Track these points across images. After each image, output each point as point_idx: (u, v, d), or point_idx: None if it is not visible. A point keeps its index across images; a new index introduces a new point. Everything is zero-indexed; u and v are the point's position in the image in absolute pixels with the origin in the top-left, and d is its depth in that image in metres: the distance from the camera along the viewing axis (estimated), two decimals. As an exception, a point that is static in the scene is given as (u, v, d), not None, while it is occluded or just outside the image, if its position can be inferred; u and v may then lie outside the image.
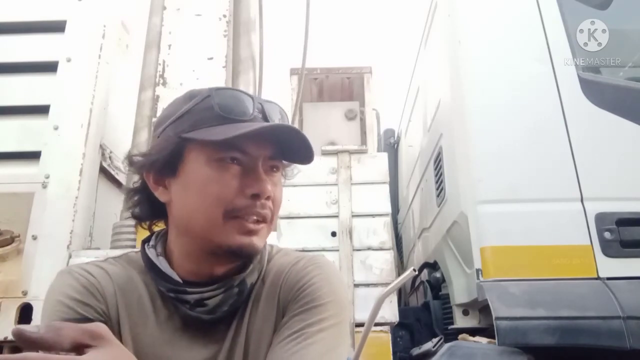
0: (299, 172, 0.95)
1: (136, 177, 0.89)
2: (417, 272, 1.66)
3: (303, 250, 2.53)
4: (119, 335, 0.79)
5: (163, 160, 0.80)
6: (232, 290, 0.81)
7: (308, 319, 0.77)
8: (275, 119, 0.82)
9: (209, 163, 0.78)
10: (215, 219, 0.77)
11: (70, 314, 0.76)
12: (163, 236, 0.87)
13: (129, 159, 0.86)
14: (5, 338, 1.93)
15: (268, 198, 0.79)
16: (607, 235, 2.02)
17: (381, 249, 2.45)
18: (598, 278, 1.97)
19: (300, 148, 0.81)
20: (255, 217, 0.78)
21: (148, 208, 0.88)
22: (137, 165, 0.84)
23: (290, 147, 0.82)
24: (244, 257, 0.80)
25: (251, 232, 0.78)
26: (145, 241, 0.87)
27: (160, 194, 0.83)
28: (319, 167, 2.64)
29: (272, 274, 0.86)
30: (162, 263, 0.83)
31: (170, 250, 0.85)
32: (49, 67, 2.37)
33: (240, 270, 0.83)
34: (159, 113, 2.35)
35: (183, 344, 0.81)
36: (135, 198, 0.89)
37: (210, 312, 0.80)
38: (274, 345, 0.77)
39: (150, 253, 0.84)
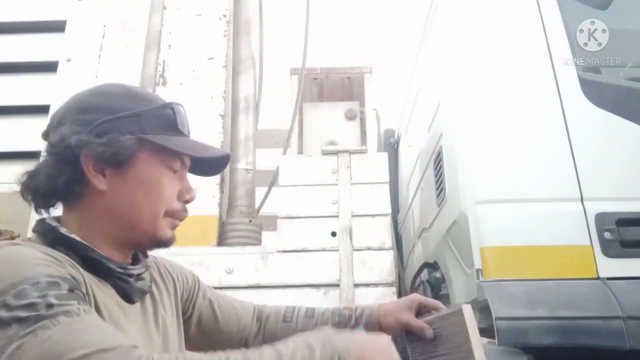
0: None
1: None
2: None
3: (303, 251, 2.51)
4: (95, 307, 0.78)
5: (114, 152, 0.84)
6: (149, 269, 0.97)
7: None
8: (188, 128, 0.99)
9: (160, 167, 0.91)
10: (158, 214, 0.90)
11: (56, 271, 0.73)
12: (61, 222, 0.86)
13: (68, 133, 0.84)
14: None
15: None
16: (607, 235, 2.02)
17: (381, 249, 2.44)
18: (598, 278, 1.97)
19: (215, 169, 1.04)
20: (180, 219, 0.95)
21: (66, 186, 0.85)
22: (76, 143, 0.82)
23: (204, 164, 0.99)
24: (166, 247, 0.95)
25: (175, 228, 0.95)
26: (54, 228, 0.84)
27: (98, 182, 0.85)
28: (319, 167, 2.63)
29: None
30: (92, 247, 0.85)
31: (84, 236, 0.84)
32: (49, 67, 2.37)
33: (139, 258, 0.98)
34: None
35: (129, 319, 0.88)
36: (52, 170, 0.85)
37: (148, 285, 0.94)
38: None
39: (77, 238, 0.83)
